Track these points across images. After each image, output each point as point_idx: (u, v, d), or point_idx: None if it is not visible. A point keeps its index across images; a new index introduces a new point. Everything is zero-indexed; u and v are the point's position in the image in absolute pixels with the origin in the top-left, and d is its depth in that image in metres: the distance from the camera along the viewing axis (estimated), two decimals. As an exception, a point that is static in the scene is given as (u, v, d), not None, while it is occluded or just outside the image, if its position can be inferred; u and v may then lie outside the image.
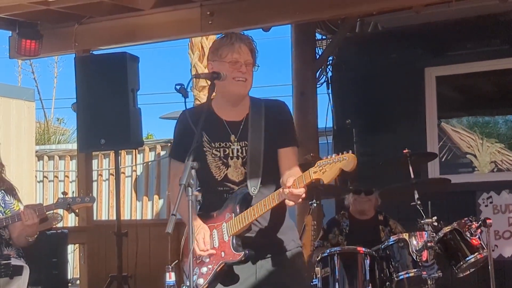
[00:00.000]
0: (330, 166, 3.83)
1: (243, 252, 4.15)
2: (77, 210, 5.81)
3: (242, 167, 4.31)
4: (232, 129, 4.36)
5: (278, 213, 4.29)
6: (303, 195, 3.94)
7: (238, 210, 4.21)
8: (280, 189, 4.02)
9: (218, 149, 4.35)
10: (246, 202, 4.24)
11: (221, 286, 4.29)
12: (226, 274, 4.25)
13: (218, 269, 4.20)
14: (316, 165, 3.88)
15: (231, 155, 4.33)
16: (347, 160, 3.80)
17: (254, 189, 4.25)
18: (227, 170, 4.32)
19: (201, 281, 4.22)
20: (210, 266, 4.22)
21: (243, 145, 4.32)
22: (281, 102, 4.58)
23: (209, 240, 4.23)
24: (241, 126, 4.35)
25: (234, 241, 4.18)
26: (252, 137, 4.31)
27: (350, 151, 3.83)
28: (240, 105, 4.37)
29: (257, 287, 4.30)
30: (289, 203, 3.99)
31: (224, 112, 4.38)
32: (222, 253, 4.20)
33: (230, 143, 4.34)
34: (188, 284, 4.14)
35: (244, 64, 4.28)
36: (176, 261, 4.48)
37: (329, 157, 3.86)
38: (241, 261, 4.18)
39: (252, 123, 4.34)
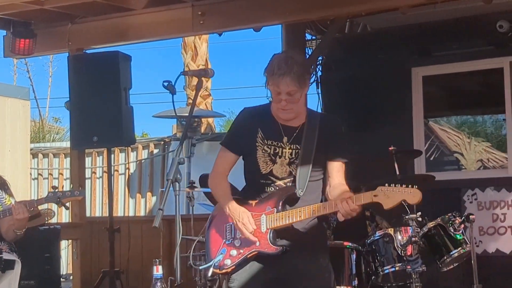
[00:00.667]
0: (395, 194, 4.12)
1: (280, 247, 4.39)
2: (67, 204, 5.82)
3: (287, 166, 4.52)
4: (286, 132, 4.57)
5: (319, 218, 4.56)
6: (354, 213, 4.28)
7: (281, 207, 4.42)
8: (336, 200, 4.30)
9: (270, 146, 4.57)
10: (291, 201, 4.47)
11: (244, 272, 4.50)
12: (253, 262, 4.47)
13: (249, 255, 4.43)
14: (378, 189, 4.16)
15: (280, 154, 4.55)
16: (413, 194, 4.09)
17: (301, 191, 4.47)
18: (273, 166, 4.54)
19: (228, 262, 4.46)
20: (241, 251, 4.44)
21: (294, 148, 4.54)
22: (335, 117, 4.87)
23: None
24: (296, 131, 4.57)
25: (271, 234, 4.40)
26: (305, 142, 4.53)
27: (416, 187, 4.03)
28: (299, 118, 4.59)
29: (278, 279, 4.51)
30: (340, 217, 4.26)
31: (282, 117, 4.59)
32: (257, 242, 4.40)
33: (281, 144, 4.57)
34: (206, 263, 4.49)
35: (286, 94, 4.43)
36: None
37: (394, 185, 4.10)
38: (276, 255, 4.39)
39: (307, 131, 4.56)
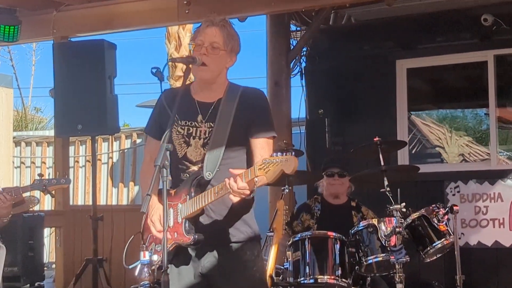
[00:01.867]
0: (273, 166, 3.69)
1: (192, 236, 4.08)
2: (53, 192, 5.79)
3: (202, 148, 4.20)
4: (202, 110, 4.26)
5: (239, 204, 4.06)
6: (246, 191, 3.81)
7: (193, 193, 4.12)
8: (226, 180, 3.87)
9: (183, 127, 4.25)
10: (200, 186, 4.13)
11: (174, 267, 4.24)
12: (177, 255, 4.21)
13: (170, 249, 4.13)
14: (262, 162, 3.74)
15: (193, 134, 4.23)
16: (288, 162, 3.66)
17: (209, 173, 4.13)
18: (187, 148, 4.22)
19: (155, 257, 4.20)
20: (159, 245, 4.16)
21: (209, 126, 4.22)
22: (258, 90, 4.47)
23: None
24: (212, 107, 4.25)
25: (186, 224, 4.11)
26: (219, 120, 4.20)
27: (293, 153, 3.69)
28: (215, 88, 4.28)
29: (203, 274, 4.23)
30: (232, 198, 3.86)
31: (198, 94, 4.31)
32: (175, 234, 4.14)
33: (196, 123, 4.24)
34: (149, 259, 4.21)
35: (208, 46, 4.19)
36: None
37: (274, 155, 3.72)
38: (190, 245, 4.11)
39: (223, 107, 4.23)
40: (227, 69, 4.34)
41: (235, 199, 3.86)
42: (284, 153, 3.71)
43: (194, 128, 4.24)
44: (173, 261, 4.23)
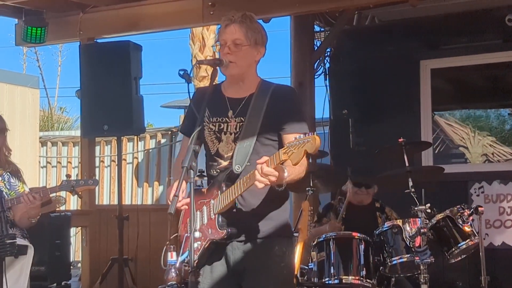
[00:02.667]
0: (297, 148, 3.68)
1: (225, 231, 4.08)
2: (80, 193, 5.81)
3: (233, 143, 4.19)
4: (232, 105, 4.26)
5: (269, 198, 4.14)
6: (272, 177, 3.78)
7: (224, 187, 4.11)
8: (254, 170, 3.86)
9: (214, 124, 4.26)
10: (231, 180, 4.11)
11: (207, 264, 4.24)
12: (214, 252, 4.20)
13: (206, 246, 4.14)
14: (286, 146, 3.74)
15: (224, 130, 4.23)
16: (311, 142, 3.64)
17: (239, 167, 4.12)
18: (219, 144, 4.23)
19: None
20: (199, 242, 4.15)
21: (239, 121, 4.21)
22: (291, 87, 4.52)
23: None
24: (242, 103, 4.25)
25: (219, 219, 4.11)
26: (250, 114, 4.19)
27: (315, 133, 3.68)
28: (245, 84, 4.28)
29: (234, 269, 4.23)
30: (258, 184, 3.81)
31: (229, 90, 4.32)
32: (209, 230, 4.14)
33: (226, 119, 4.24)
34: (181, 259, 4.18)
35: (230, 44, 4.19)
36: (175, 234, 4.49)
37: (297, 137, 3.72)
38: (223, 239, 4.11)
39: (255, 101, 4.22)
40: (256, 63, 4.32)
41: (260, 185, 3.82)
42: (307, 134, 3.69)
43: (225, 124, 4.25)
44: (208, 259, 4.23)
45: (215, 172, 4.24)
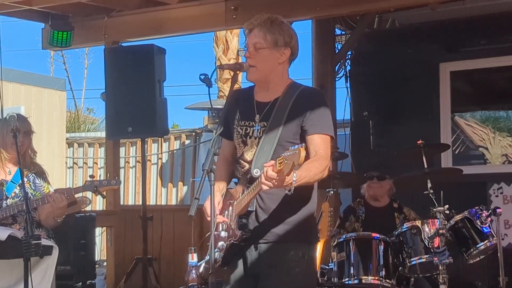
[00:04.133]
0: (289, 159, 3.59)
1: (240, 232, 4.06)
2: (104, 193, 5.82)
3: (256, 147, 4.15)
4: (259, 109, 4.22)
5: (286, 202, 4.06)
6: (276, 183, 3.68)
7: (245, 190, 4.07)
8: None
9: (242, 127, 4.24)
10: (251, 183, 4.04)
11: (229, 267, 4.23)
12: (236, 253, 4.18)
13: (228, 246, 4.12)
14: (281, 156, 3.62)
15: (250, 134, 4.20)
16: (297, 154, 3.56)
17: (257, 171, 4.01)
18: (244, 148, 4.21)
19: (217, 255, 4.13)
20: (222, 243, 4.13)
21: (263, 125, 4.17)
22: (317, 90, 4.45)
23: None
24: (267, 107, 4.19)
25: (239, 220, 4.09)
26: (273, 118, 4.14)
27: (303, 145, 3.60)
28: (272, 88, 4.22)
29: (248, 271, 4.20)
30: (263, 187, 3.73)
31: (259, 94, 4.28)
32: (230, 231, 4.12)
33: (253, 123, 4.21)
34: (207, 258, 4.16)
35: (251, 49, 4.16)
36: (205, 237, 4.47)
37: (290, 148, 3.62)
38: (238, 241, 4.08)
39: (279, 105, 4.16)
40: (282, 64, 4.24)
41: (264, 187, 3.73)
42: (294, 146, 3.61)
43: (251, 128, 4.22)
44: (231, 259, 4.20)
45: (239, 174, 4.23)
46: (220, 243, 4.12)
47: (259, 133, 4.18)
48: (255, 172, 4.04)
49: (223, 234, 4.12)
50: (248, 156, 4.19)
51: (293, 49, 4.25)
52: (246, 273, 4.21)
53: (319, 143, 4.07)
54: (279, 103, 4.17)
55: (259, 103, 4.24)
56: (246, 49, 4.24)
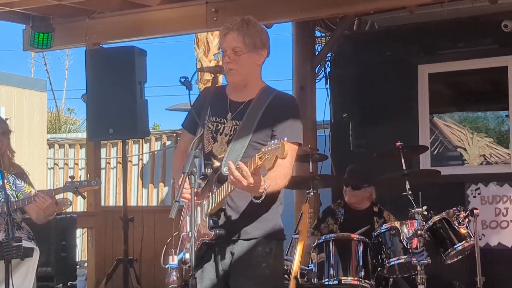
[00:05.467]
0: (270, 153, 3.65)
1: (214, 232, 4.06)
2: (84, 193, 5.82)
3: (226, 144, 4.20)
4: (232, 108, 4.26)
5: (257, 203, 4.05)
6: (245, 182, 3.73)
7: (214, 189, 4.10)
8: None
9: (213, 123, 4.26)
10: (221, 181, 4.08)
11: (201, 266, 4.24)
12: (205, 253, 4.20)
13: (198, 247, 4.11)
14: (261, 152, 3.70)
15: (221, 131, 4.23)
16: (281, 148, 3.60)
17: (227, 169, 3.94)
18: (213, 144, 4.23)
19: (187, 255, 4.16)
20: (191, 243, 4.01)
21: (234, 124, 4.21)
22: (291, 97, 4.44)
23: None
24: (241, 106, 4.24)
25: (210, 220, 4.09)
26: (246, 118, 4.19)
27: (285, 139, 3.63)
28: (248, 89, 4.27)
29: (223, 270, 4.23)
30: (242, 182, 3.76)
31: (232, 94, 4.31)
32: (201, 231, 4.12)
33: (224, 120, 4.24)
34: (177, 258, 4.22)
35: (230, 53, 4.19)
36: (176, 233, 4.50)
37: (270, 143, 3.68)
38: (213, 240, 4.09)
39: (252, 107, 4.21)
40: (259, 66, 4.29)
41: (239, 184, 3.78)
42: (277, 140, 3.66)
43: (222, 125, 4.25)
44: (201, 260, 4.21)
45: (208, 171, 4.21)
46: (189, 244, 4.11)
47: (230, 131, 4.21)
48: (225, 170, 4.01)
49: (190, 234, 4.03)
50: (218, 153, 4.21)
51: (268, 50, 4.30)
52: (218, 271, 4.24)
53: (288, 152, 4.01)
54: (252, 105, 4.22)
55: (232, 101, 4.28)
56: (222, 52, 4.26)
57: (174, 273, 4.21)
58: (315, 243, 6.25)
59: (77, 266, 8.81)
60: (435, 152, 9.96)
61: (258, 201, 3.89)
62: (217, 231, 4.08)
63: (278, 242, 4.32)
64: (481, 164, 10.86)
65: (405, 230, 6.11)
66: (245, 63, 4.20)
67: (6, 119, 6.25)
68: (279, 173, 4.01)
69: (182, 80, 4.07)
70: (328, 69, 9.52)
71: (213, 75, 4.30)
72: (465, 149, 11.51)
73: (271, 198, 4.15)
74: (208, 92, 4.37)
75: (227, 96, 4.32)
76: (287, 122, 4.18)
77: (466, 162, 11.08)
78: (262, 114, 4.18)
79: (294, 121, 4.22)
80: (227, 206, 4.15)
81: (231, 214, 4.17)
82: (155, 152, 14.23)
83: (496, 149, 11.67)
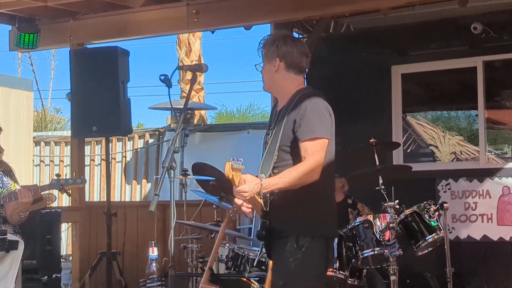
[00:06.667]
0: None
1: (257, 232, 4.36)
2: (69, 191, 5.83)
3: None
4: (274, 118, 4.53)
5: (286, 201, 4.28)
6: (241, 196, 4.08)
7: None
8: None
9: (267, 135, 4.50)
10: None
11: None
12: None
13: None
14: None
15: (267, 141, 4.44)
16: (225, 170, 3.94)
17: (263, 175, 4.20)
18: (264, 154, 4.41)
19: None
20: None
21: (271, 133, 4.41)
22: (312, 92, 4.50)
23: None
24: (277, 115, 4.46)
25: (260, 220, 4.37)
26: (277, 125, 4.37)
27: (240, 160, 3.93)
28: (282, 97, 4.50)
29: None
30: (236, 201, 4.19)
31: (279, 103, 4.56)
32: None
33: (269, 131, 4.49)
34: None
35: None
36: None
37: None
38: (258, 237, 4.41)
39: (282, 113, 4.39)
40: (278, 73, 4.47)
41: (239, 202, 4.19)
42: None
43: (269, 137, 4.44)
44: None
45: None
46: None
47: (269, 140, 4.41)
48: (261, 176, 4.20)
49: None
50: None
51: (285, 57, 4.46)
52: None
53: (306, 149, 4.22)
54: (283, 111, 4.39)
55: (275, 112, 4.53)
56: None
57: (153, 264, 4.24)
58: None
59: (62, 259, 8.78)
60: (408, 150, 10.01)
61: (260, 196, 4.15)
62: (258, 231, 4.35)
63: (306, 238, 4.34)
64: (452, 161, 10.94)
65: (378, 223, 6.15)
66: (265, 73, 4.52)
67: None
68: (293, 169, 4.18)
69: (162, 77, 4.11)
70: (305, 70, 9.53)
71: (192, 73, 4.34)
72: (437, 147, 11.57)
73: (306, 195, 4.26)
74: (273, 103, 4.75)
75: (276, 107, 4.55)
76: (304, 119, 4.27)
77: (438, 159, 11.14)
78: (287, 116, 4.32)
79: (311, 116, 4.28)
80: (270, 205, 4.30)
81: (272, 214, 4.33)
82: (138, 150, 14.20)
83: (466, 146, 11.75)
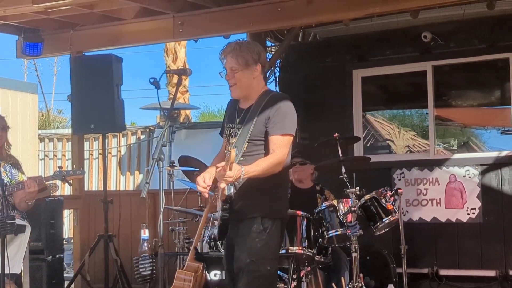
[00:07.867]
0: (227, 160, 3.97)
1: (220, 214, 4.28)
2: (70, 181, 5.83)
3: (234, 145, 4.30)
4: (239, 114, 4.40)
5: (253, 186, 4.24)
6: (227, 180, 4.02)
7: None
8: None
9: (228, 129, 4.42)
10: None
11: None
12: (224, 229, 4.47)
13: (219, 223, 4.44)
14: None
15: (232, 134, 4.36)
16: (228, 155, 3.93)
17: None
18: (229, 146, 4.30)
19: (215, 231, 4.55)
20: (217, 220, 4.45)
21: (240, 127, 4.33)
22: (284, 95, 4.49)
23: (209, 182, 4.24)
24: (244, 112, 4.38)
25: (222, 204, 4.32)
26: (247, 120, 4.30)
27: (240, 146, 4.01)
28: (252, 97, 4.39)
29: (229, 242, 4.44)
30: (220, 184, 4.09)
31: (242, 103, 4.46)
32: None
33: (234, 125, 4.38)
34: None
35: (229, 72, 4.34)
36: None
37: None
38: (222, 220, 4.33)
39: (252, 110, 4.32)
40: (256, 79, 4.38)
41: (222, 185, 4.07)
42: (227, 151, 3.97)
43: (233, 130, 4.38)
44: (223, 234, 4.54)
45: None
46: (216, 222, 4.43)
47: (236, 134, 4.35)
48: None
49: (218, 214, 4.34)
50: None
51: (262, 63, 4.42)
52: (229, 244, 4.44)
53: (275, 143, 4.23)
54: (252, 108, 4.33)
55: (240, 109, 4.43)
56: (225, 72, 4.39)
57: (145, 244, 4.24)
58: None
59: (64, 242, 8.75)
60: (368, 144, 10.06)
61: (238, 182, 4.16)
62: (222, 214, 4.30)
63: (271, 220, 4.35)
64: (406, 153, 11.01)
65: (341, 207, 6.15)
66: (241, 79, 4.33)
67: (3, 116, 6.21)
68: (265, 159, 4.18)
69: (151, 80, 4.11)
70: (277, 74, 9.56)
71: (178, 77, 4.33)
72: (392, 141, 11.65)
73: (269, 182, 4.25)
74: (228, 103, 4.57)
75: (238, 105, 4.44)
76: (277, 117, 4.25)
77: (393, 151, 11.21)
78: (259, 113, 4.27)
79: (284, 115, 4.29)
80: (235, 190, 4.30)
81: (237, 197, 4.33)
82: (131, 145, 14.17)
83: (418, 140, 11.84)
